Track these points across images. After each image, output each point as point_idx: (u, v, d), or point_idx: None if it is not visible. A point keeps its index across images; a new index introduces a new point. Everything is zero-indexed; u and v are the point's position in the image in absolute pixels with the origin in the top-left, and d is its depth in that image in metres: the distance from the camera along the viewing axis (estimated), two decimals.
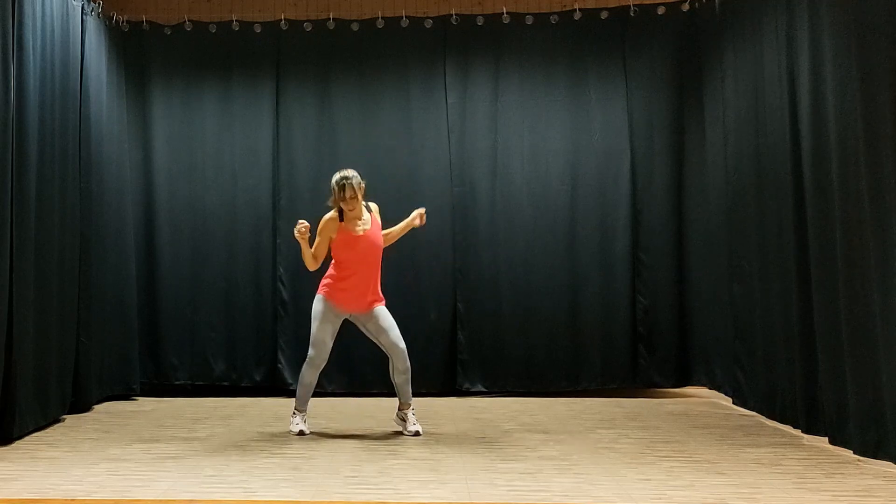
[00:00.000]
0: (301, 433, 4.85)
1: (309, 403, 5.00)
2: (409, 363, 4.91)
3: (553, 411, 5.68)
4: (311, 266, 4.90)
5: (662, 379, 6.47)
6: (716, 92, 6.05)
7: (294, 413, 4.97)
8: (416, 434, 4.84)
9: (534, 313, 6.46)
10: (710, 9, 6.17)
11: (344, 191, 4.70)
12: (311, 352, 4.89)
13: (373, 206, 4.98)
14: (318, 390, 6.36)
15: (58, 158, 5.30)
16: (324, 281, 4.93)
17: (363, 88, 6.66)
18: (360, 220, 4.85)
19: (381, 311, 4.91)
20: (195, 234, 6.62)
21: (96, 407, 5.83)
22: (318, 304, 4.88)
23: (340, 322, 4.94)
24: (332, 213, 4.86)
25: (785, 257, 4.99)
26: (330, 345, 4.91)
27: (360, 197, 4.78)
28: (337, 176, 4.77)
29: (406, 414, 4.93)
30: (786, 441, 4.62)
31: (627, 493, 3.54)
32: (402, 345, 4.88)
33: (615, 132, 6.55)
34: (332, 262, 4.94)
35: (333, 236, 4.83)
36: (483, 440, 4.69)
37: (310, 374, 4.91)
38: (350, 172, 4.77)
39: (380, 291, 4.94)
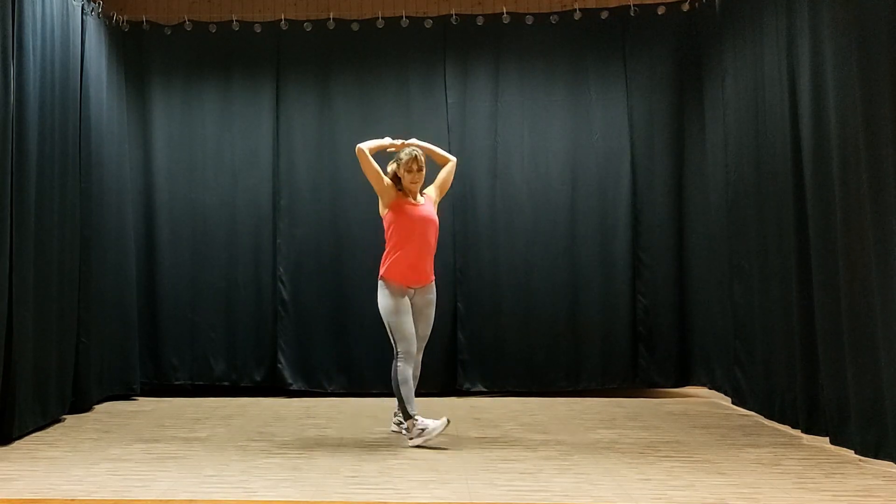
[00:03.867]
0: (416, 444, 4.49)
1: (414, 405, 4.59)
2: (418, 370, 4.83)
3: (553, 411, 5.68)
4: (362, 148, 4.86)
5: (662, 379, 6.47)
6: (716, 92, 6.05)
7: (412, 421, 4.53)
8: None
9: (534, 313, 6.45)
10: (710, 9, 6.17)
11: (415, 161, 4.80)
12: (399, 347, 4.62)
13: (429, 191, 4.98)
14: (317, 390, 6.42)
15: (58, 158, 5.30)
16: (382, 265, 4.79)
17: (363, 88, 6.65)
18: (414, 195, 4.86)
19: (430, 304, 4.83)
20: (195, 234, 6.62)
21: (96, 407, 5.83)
22: (382, 294, 4.71)
23: (410, 304, 4.74)
24: (390, 181, 4.86)
25: (785, 257, 4.99)
26: (414, 331, 4.72)
27: (419, 180, 4.84)
28: (408, 150, 4.87)
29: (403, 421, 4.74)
30: (786, 441, 4.62)
31: (627, 493, 3.55)
32: (418, 358, 4.81)
33: (615, 132, 6.55)
34: (386, 243, 4.84)
35: (392, 195, 4.81)
36: (483, 440, 4.69)
37: (406, 370, 4.58)
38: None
39: (432, 271, 4.86)
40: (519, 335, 6.46)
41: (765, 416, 5.27)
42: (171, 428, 5.09)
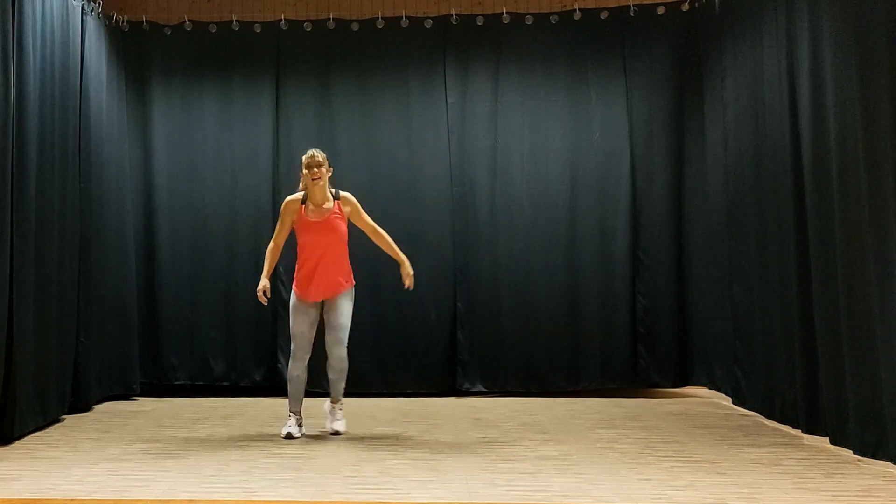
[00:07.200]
0: (289, 436, 4.72)
1: (301, 404, 4.85)
2: (345, 364, 4.85)
3: (553, 411, 5.68)
4: (275, 252, 4.92)
5: (662, 379, 6.47)
6: (716, 92, 6.05)
7: (289, 415, 4.86)
8: (336, 433, 4.84)
9: (534, 313, 6.45)
10: (710, 9, 6.17)
11: (311, 159, 4.80)
12: (292, 345, 4.85)
13: (345, 195, 4.91)
14: (317, 390, 6.38)
15: (58, 158, 5.30)
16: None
17: (363, 88, 6.66)
18: (322, 206, 4.84)
19: (341, 304, 4.82)
20: (195, 234, 6.62)
21: (96, 407, 5.83)
22: (291, 298, 4.91)
23: (317, 311, 4.87)
24: (294, 196, 4.91)
25: (785, 257, 4.99)
26: (309, 335, 4.83)
27: (324, 173, 4.81)
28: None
29: (334, 408, 4.94)
30: (786, 441, 4.62)
31: (627, 493, 3.54)
32: (339, 350, 4.79)
33: (615, 132, 6.55)
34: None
35: (294, 218, 4.86)
36: (483, 440, 4.69)
37: (293, 368, 4.82)
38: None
39: (343, 278, 4.85)
40: (519, 335, 6.46)
41: (765, 416, 5.28)
42: (170, 428, 5.09)
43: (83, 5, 5.77)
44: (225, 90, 6.70)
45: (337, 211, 4.85)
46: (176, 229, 6.63)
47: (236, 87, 6.70)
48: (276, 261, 4.97)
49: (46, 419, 5.09)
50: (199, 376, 6.52)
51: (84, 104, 5.73)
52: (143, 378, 6.44)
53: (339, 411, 4.95)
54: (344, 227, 4.88)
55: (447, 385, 6.41)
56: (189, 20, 6.71)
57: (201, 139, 6.69)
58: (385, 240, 4.96)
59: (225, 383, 6.50)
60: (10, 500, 3.48)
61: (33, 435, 4.84)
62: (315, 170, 4.80)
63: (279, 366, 6.46)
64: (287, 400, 4.89)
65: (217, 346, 6.54)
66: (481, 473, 3.88)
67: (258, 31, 6.68)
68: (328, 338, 4.82)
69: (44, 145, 5.09)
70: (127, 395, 6.23)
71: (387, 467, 4.03)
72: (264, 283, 4.84)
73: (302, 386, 4.85)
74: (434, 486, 3.66)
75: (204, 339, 6.54)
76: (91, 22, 5.89)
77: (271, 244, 4.93)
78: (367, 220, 4.94)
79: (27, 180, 4.85)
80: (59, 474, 3.91)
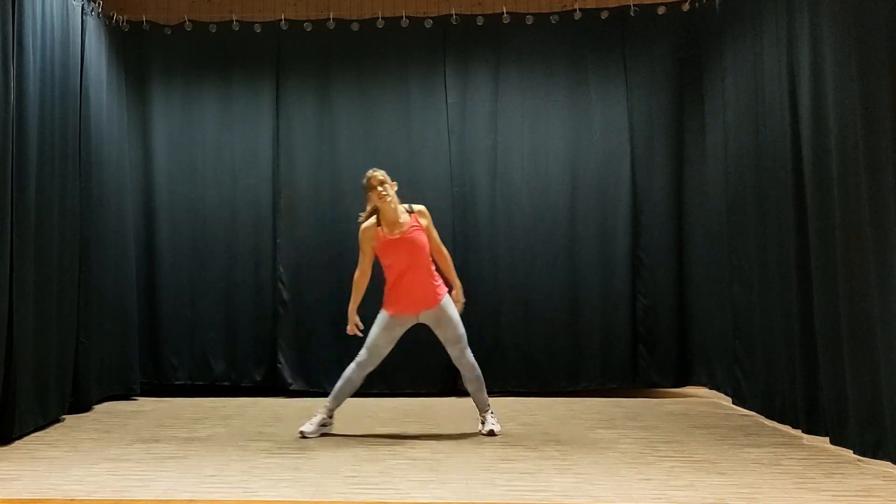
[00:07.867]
0: (302, 435, 4.74)
1: (339, 405, 4.87)
2: (477, 371, 4.89)
3: (553, 411, 5.68)
4: (363, 280, 4.85)
5: (662, 379, 6.47)
6: (716, 92, 6.05)
7: (317, 412, 4.85)
8: (490, 433, 4.82)
9: (534, 313, 6.45)
10: (710, 9, 6.17)
11: (373, 179, 4.76)
12: (362, 352, 4.82)
13: (417, 207, 4.88)
14: (317, 390, 6.43)
15: (58, 158, 5.30)
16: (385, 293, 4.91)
17: (363, 88, 6.66)
18: (398, 222, 4.79)
19: (445, 317, 4.83)
20: (195, 233, 6.62)
21: (96, 407, 5.83)
22: (379, 315, 4.86)
23: (403, 329, 4.87)
24: (369, 222, 4.84)
25: (785, 257, 4.99)
26: (384, 350, 4.83)
27: (389, 189, 4.76)
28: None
29: (484, 417, 4.92)
30: (786, 441, 4.62)
31: (627, 493, 3.54)
32: (465, 360, 4.85)
33: (615, 132, 6.55)
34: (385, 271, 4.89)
35: (374, 244, 4.81)
36: (483, 440, 4.69)
37: (354, 372, 4.81)
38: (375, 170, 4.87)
39: (437, 286, 4.84)
40: (519, 335, 6.45)
41: (765, 416, 5.28)
42: (170, 428, 5.09)
43: (83, 5, 5.77)
44: (225, 90, 6.70)
45: (415, 223, 4.81)
46: (176, 229, 6.63)
47: (236, 87, 6.70)
48: (364, 289, 4.87)
49: (46, 419, 5.09)
50: (199, 376, 6.52)
51: (84, 104, 5.73)
52: (143, 378, 6.44)
53: (490, 416, 4.91)
54: (425, 239, 4.82)
55: (447, 385, 6.40)
56: (189, 20, 6.71)
57: (201, 139, 6.69)
58: (447, 262, 4.94)
59: (225, 383, 6.50)
60: (10, 500, 3.48)
61: (33, 435, 4.84)
62: (379, 189, 4.74)
63: (279, 365, 6.46)
64: (329, 397, 4.89)
65: (217, 346, 6.54)
66: (481, 473, 3.89)
67: (258, 31, 6.68)
68: (451, 355, 4.87)
69: (44, 145, 5.09)
70: (127, 395, 6.23)
71: (387, 467, 4.03)
72: (355, 318, 4.85)
73: (353, 390, 4.85)
74: (434, 486, 3.66)
75: (204, 339, 6.54)
76: (91, 22, 5.89)
77: (357, 273, 4.86)
78: (436, 238, 4.90)
79: (27, 180, 4.85)
80: (59, 474, 3.91)
